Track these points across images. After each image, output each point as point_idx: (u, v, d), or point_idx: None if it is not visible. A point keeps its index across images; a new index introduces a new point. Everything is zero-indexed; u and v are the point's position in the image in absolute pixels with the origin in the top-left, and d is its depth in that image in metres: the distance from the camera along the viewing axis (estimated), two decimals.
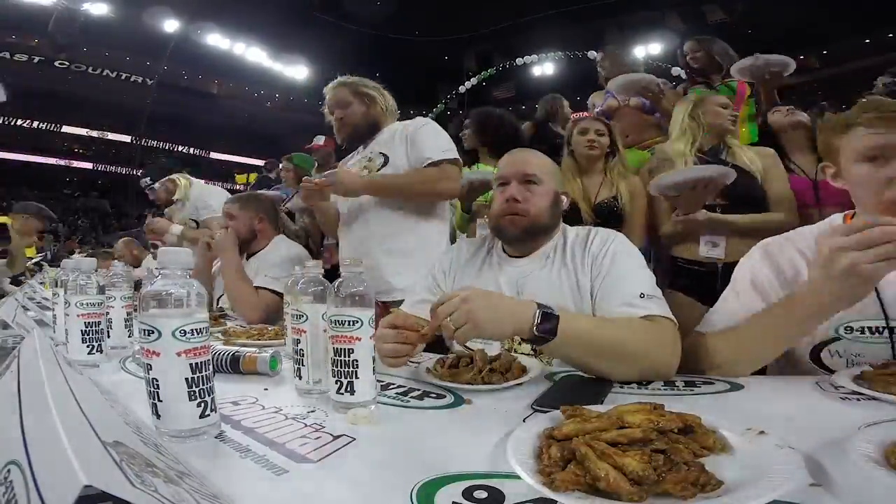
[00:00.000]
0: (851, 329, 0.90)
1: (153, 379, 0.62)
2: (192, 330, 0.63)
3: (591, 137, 1.99)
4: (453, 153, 1.66)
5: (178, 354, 0.62)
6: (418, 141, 1.66)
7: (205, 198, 2.83)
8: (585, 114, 2.47)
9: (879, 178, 0.89)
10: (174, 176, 2.91)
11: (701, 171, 1.55)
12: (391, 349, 0.92)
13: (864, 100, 0.96)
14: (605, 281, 1.04)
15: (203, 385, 0.64)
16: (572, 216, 1.93)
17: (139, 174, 3.02)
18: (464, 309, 0.81)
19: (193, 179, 2.96)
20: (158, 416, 0.63)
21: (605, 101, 2.54)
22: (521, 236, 1.16)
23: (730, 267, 1.50)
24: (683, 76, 2.84)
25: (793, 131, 1.99)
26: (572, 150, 2.05)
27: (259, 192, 3.05)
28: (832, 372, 0.87)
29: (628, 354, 0.88)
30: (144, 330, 0.62)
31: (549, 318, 0.83)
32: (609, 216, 1.94)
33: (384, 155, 1.73)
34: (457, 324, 0.81)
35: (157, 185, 2.90)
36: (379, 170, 1.72)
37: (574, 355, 0.90)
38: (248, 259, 2.05)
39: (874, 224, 0.71)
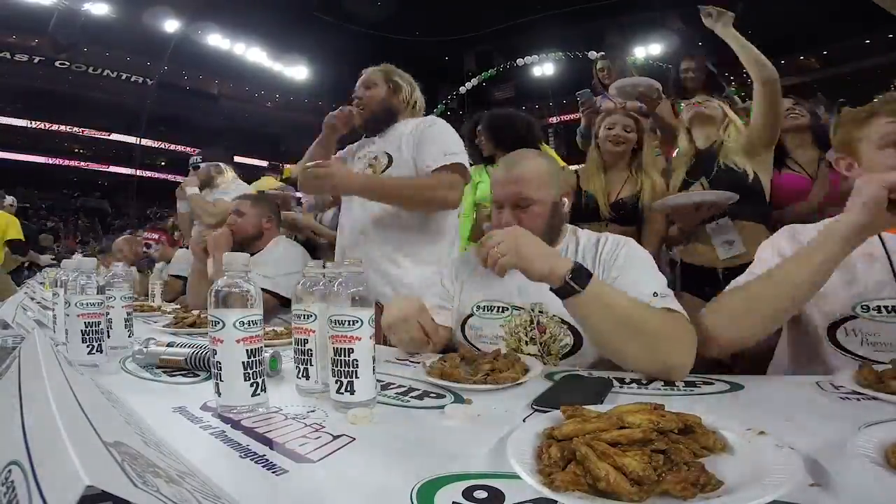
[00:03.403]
0: (868, 308, 0.91)
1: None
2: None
3: (616, 132, 1.95)
4: (457, 157, 1.58)
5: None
6: (423, 145, 1.61)
7: (227, 191, 2.82)
8: (618, 105, 2.37)
9: None
10: (223, 164, 2.96)
11: (704, 196, 1.61)
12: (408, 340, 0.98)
13: (882, 95, 0.99)
14: (616, 285, 1.03)
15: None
16: (591, 213, 1.92)
17: (195, 152, 3.05)
18: (512, 236, 0.88)
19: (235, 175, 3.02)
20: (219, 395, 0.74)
21: (600, 103, 2.54)
22: None
23: (733, 271, 1.51)
24: None
25: (795, 132, 1.99)
26: (598, 143, 2.01)
27: (268, 191, 3.07)
28: (847, 351, 0.89)
29: (649, 333, 0.88)
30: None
31: (582, 273, 0.88)
32: (627, 214, 1.90)
33: (389, 155, 1.68)
34: (502, 251, 0.87)
35: (203, 165, 2.92)
36: (384, 171, 1.67)
37: (595, 320, 0.91)
38: None
39: None
